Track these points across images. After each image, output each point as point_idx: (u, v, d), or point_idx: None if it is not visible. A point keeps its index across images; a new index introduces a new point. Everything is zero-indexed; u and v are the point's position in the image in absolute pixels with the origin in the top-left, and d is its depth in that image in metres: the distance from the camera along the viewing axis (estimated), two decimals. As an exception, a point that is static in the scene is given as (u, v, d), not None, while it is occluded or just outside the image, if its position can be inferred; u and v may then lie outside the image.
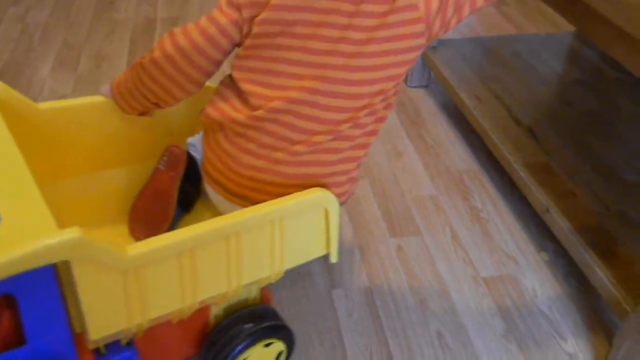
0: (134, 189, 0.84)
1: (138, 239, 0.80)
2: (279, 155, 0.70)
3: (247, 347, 0.73)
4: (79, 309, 0.57)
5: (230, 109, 0.72)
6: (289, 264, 0.71)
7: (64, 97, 1.38)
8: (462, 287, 0.98)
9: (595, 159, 1.10)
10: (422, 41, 0.68)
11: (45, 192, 0.55)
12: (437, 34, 0.69)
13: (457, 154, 1.29)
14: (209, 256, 0.63)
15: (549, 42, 1.50)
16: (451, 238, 1.07)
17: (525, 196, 1.06)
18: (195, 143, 0.82)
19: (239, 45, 0.72)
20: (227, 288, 0.67)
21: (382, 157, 1.27)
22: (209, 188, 0.77)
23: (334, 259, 0.73)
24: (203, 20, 0.71)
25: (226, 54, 0.72)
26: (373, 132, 0.72)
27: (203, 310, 0.72)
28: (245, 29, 0.69)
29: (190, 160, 0.81)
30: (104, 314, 0.58)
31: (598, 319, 0.94)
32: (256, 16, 0.68)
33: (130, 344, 0.66)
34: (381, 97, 0.69)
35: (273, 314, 0.77)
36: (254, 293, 0.77)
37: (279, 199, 0.66)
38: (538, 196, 1.01)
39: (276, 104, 0.68)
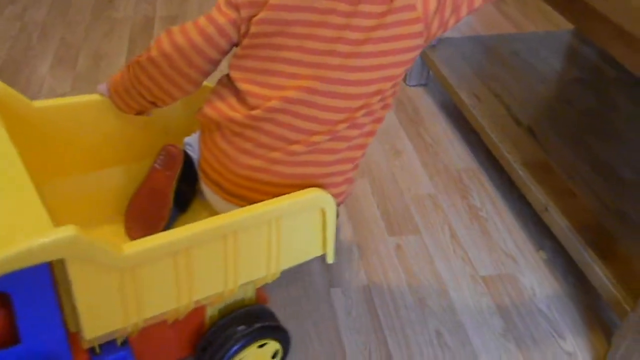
0: (130, 188, 0.84)
1: (134, 238, 0.80)
2: (276, 155, 0.69)
3: (242, 347, 0.73)
4: (73, 308, 0.57)
5: (227, 108, 0.71)
6: (286, 264, 0.71)
7: (62, 95, 1.38)
8: (461, 286, 0.98)
9: (594, 157, 1.10)
10: (420, 41, 0.68)
11: (41, 190, 0.55)
12: (435, 34, 0.69)
13: (456, 152, 1.29)
14: (205, 256, 0.62)
15: (548, 40, 1.50)
16: (450, 237, 1.07)
17: (524, 195, 1.06)
18: (192, 142, 0.81)
19: (237, 44, 0.71)
20: (223, 288, 0.66)
21: (381, 155, 1.26)
22: (205, 187, 0.77)
23: (330, 259, 0.73)
24: (201, 20, 0.70)
25: (224, 53, 0.72)
26: (370, 133, 0.72)
27: (198, 310, 0.72)
28: (243, 28, 0.69)
29: (187, 159, 0.81)
30: (99, 313, 0.58)
31: (597, 318, 0.94)
32: (254, 16, 0.68)
33: (125, 343, 0.66)
34: (378, 98, 0.69)
35: (269, 315, 0.77)
36: (249, 293, 0.77)
37: (275, 199, 0.66)
38: (537, 195, 1.01)
39: (273, 103, 0.68)
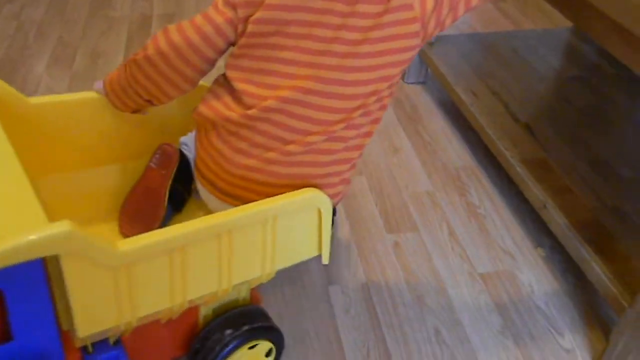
0: (125, 186, 0.84)
1: (127, 236, 0.80)
2: (272, 155, 0.69)
3: (236, 348, 0.72)
4: (67, 306, 0.57)
5: (223, 108, 0.71)
6: (281, 265, 0.70)
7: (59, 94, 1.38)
8: (459, 283, 0.98)
9: (592, 155, 1.10)
10: (417, 41, 0.68)
11: (36, 187, 0.55)
12: (432, 33, 0.69)
13: (454, 150, 1.29)
14: (200, 254, 0.62)
15: (546, 38, 1.50)
16: (448, 234, 1.07)
17: (522, 192, 1.06)
18: (187, 142, 0.81)
19: (233, 44, 0.71)
20: (218, 287, 0.66)
21: (379, 153, 1.26)
22: (200, 187, 0.77)
23: (325, 260, 0.73)
24: (198, 18, 0.70)
25: (221, 53, 0.72)
26: (368, 134, 0.72)
27: (192, 310, 0.72)
28: (240, 27, 0.69)
29: (183, 159, 0.81)
30: (92, 311, 0.57)
31: (595, 315, 0.94)
32: (251, 15, 0.67)
33: (117, 342, 0.65)
34: (375, 98, 0.68)
35: (260, 315, 0.76)
36: (244, 293, 0.76)
37: (271, 199, 0.66)
38: (535, 192, 1.01)
39: (269, 103, 0.67)
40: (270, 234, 0.66)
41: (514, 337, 0.90)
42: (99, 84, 0.79)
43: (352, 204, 1.12)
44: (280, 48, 0.67)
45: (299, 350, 0.85)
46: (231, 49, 0.72)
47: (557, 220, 0.95)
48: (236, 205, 0.66)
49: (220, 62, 0.73)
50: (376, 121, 0.72)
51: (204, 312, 0.74)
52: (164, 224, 0.82)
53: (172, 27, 0.71)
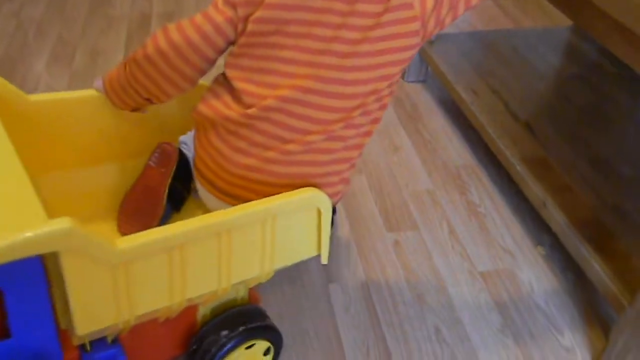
0: (124, 185, 0.84)
1: (126, 235, 0.80)
2: (271, 154, 0.69)
3: (232, 349, 0.72)
4: (65, 305, 0.57)
5: (222, 107, 0.71)
6: (280, 264, 0.70)
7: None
8: (459, 282, 0.98)
9: (592, 153, 1.10)
10: (417, 40, 0.67)
11: (34, 184, 0.55)
12: (431, 32, 0.69)
13: (455, 148, 1.29)
14: (199, 253, 0.62)
15: (546, 36, 1.50)
16: (448, 233, 1.07)
17: (522, 191, 1.06)
18: (187, 141, 0.81)
19: (233, 43, 0.71)
20: (217, 286, 0.66)
21: (379, 152, 1.26)
22: (199, 186, 0.76)
23: (324, 260, 0.73)
24: (198, 17, 0.70)
25: (220, 51, 0.72)
26: (367, 133, 0.72)
27: (190, 309, 0.72)
28: (240, 27, 0.69)
29: (182, 158, 0.81)
30: (91, 309, 0.57)
31: (595, 313, 0.94)
32: (251, 14, 0.67)
33: (115, 341, 0.65)
34: (374, 97, 0.68)
35: (258, 315, 0.76)
36: (242, 293, 0.76)
37: (271, 198, 0.66)
38: (535, 190, 1.01)
39: (269, 102, 0.67)
40: (270, 233, 0.66)
41: (513, 336, 0.90)
42: (98, 82, 0.79)
43: (352, 202, 1.12)
44: (280, 47, 0.67)
45: (299, 349, 0.85)
46: (231, 48, 0.72)
47: (557, 218, 0.95)
48: (235, 205, 0.66)
49: (220, 61, 0.73)
50: (376, 121, 0.72)
51: (202, 311, 0.74)
52: (162, 222, 0.82)
53: (171, 26, 0.71)
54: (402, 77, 1.51)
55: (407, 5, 0.66)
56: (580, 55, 1.43)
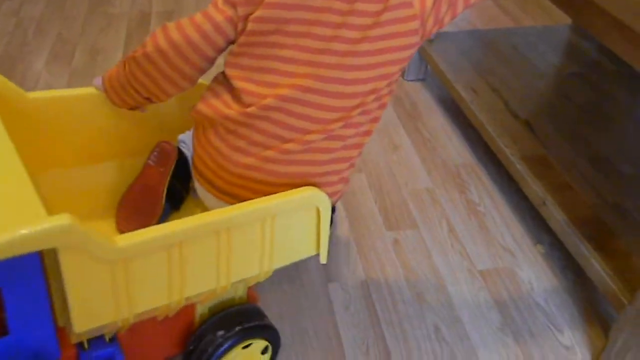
0: (122, 183, 0.84)
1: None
2: (270, 153, 0.69)
3: (229, 349, 0.72)
4: (63, 302, 0.57)
5: (221, 105, 0.71)
6: (279, 263, 0.70)
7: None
8: (458, 281, 0.98)
9: (592, 152, 1.10)
10: (416, 39, 0.67)
11: (33, 182, 0.55)
12: (431, 31, 0.69)
13: (454, 147, 1.28)
14: (198, 251, 0.62)
15: (546, 35, 1.50)
16: (448, 231, 1.07)
17: (522, 189, 1.05)
18: (185, 140, 0.81)
19: (233, 42, 0.71)
20: (215, 285, 0.66)
21: (379, 150, 1.26)
22: (198, 185, 0.76)
23: (323, 259, 0.73)
24: (198, 16, 0.70)
25: (220, 51, 0.72)
26: (367, 133, 0.72)
27: (189, 308, 0.72)
28: (240, 26, 0.69)
29: (181, 157, 0.81)
30: (89, 306, 0.57)
31: (594, 311, 0.94)
32: (251, 13, 0.67)
33: (113, 339, 0.65)
34: (374, 97, 0.68)
35: (255, 314, 0.76)
36: (240, 292, 0.76)
37: (270, 197, 0.65)
38: (535, 189, 1.01)
39: (268, 101, 0.67)
40: (269, 232, 0.66)
41: (513, 334, 0.90)
42: (97, 81, 0.79)
43: (352, 201, 1.12)
44: (280, 46, 0.67)
45: (299, 348, 0.85)
46: (231, 47, 0.72)
47: (556, 217, 0.95)
48: (234, 204, 0.66)
49: (220, 60, 0.73)
50: (375, 120, 0.71)
51: (200, 310, 0.74)
52: (161, 221, 0.81)
53: (171, 25, 0.71)
54: (402, 75, 1.51)
55: (406, 4, 0.65)
56: (580, 54, 1.43)
